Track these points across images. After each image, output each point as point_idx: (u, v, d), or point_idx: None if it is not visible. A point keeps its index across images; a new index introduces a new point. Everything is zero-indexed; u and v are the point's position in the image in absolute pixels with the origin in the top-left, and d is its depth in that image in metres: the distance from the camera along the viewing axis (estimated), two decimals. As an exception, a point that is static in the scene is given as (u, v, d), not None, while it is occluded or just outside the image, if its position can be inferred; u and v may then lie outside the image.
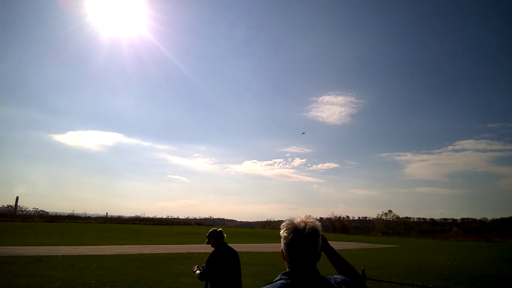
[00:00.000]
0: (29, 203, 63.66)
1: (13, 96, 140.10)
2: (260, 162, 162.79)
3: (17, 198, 54.98)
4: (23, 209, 55.46)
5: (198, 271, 4.61)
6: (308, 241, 1.58)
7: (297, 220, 1.67)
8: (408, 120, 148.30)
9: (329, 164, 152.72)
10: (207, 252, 19.28)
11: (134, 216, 60.45)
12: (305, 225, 1.62)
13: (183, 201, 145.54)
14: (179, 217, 72.47)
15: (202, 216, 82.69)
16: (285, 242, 1.64)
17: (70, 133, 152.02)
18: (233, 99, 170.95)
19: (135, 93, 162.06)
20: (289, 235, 1.62)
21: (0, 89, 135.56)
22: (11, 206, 54.69)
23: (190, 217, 77.14)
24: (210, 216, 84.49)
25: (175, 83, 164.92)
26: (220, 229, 4.83)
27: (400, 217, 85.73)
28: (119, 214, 62.88)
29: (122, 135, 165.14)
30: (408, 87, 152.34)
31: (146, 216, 62.86)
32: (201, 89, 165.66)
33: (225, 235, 4.81)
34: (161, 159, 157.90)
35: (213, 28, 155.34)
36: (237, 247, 4.85)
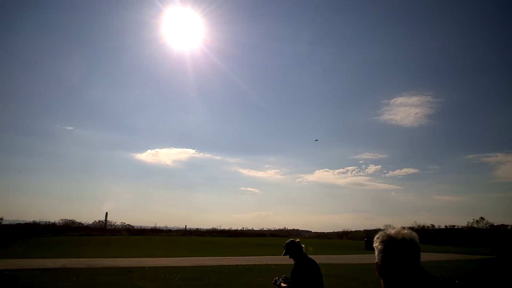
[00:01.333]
0: (117, 218, 69.88)
1: (98, 120, 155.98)
2: (332, 170, 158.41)
3: (106, 213, 60.58)
4: (112, 223, 61.05)
5: (283, 284, 4.53)
6: (408, 254, 1.47)
7: (393, 231, 1.55)
8: (495, 117, 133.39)
9: (407, 169, 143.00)
10: (284, 264, 19.33)
11: (211, 228, 62.94)
12: (403, 237, 1.50)
13: (257, 213, 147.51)
14: (253, 229, 73.75)
15: (276, 227, 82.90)
16: (381, 255, 1.53)
17: (149, 151, 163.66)
18: (301, 108, 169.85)
19: (204, 110, 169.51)
20: (386, 247, 1.51)
21: (87, 114, 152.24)
22: (101, 221, 60.52)
23: (265, 229, 77.86)
24: (284, 227, 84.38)
25: (240, 98, 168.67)
26: (298, 239, 4.79)
27: (495, 224, 77.36)
28: (197, 227, 65.80)
29: (194, 150, 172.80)
30: (492, 81, 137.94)
31: (222, 228, 65.04)
32: (268, 100, 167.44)
33: (304, 246, 4.77)
34: (233, 172, 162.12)
35: (276, 38, 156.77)
36: (315, 258, 4.77)
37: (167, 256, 25.06)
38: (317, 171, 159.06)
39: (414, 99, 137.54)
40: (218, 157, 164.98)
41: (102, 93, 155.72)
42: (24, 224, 53.29)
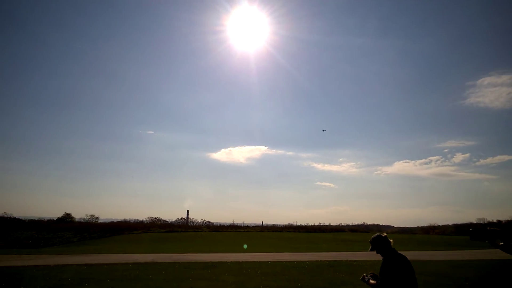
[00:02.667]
0: (197, 215, 74.10)
1: (175, 123, 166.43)
2: (413, 161, 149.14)
3: (187, 211, 64.32)
4: (193, 220, 64.64)
5: (372, 281, 4.38)
6: None
7: None
8: None
9: (502, 156, 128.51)
10: (367, 260, 18.74)
11: (288, 224, 63.32)
12: None
13: (333, 208, 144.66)
14: (331, 224, 72.49)
15: (355, 222, 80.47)
16: None
17: (223, 150, 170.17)
18: (373, 98, 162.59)
19: (273, 107, 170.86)
20: None
21: (165, 118, 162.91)
22: (183, 218, 64.39)
23: (343, 224, 76.08)
24: (364, 222, 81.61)
25: (307, 94, 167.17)
26: (385, 234, 4.59)
27: None
28: (273, 223, 66.70)
29: (267, 147, 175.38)
30: None
31: (298, 224, 65.06)
32: (336, 94, 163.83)
33: (392, 240, 4.56)
34: (307, 167, 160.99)
35: (339, 31, 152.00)
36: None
37: (245, 251, 25.84)
38: (396, 163, 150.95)
39: (505, 78, 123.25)
40: (290, 153, 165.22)
41: (177, 97, 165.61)
42: (116, 222, 58.83)
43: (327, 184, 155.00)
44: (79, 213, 71.18)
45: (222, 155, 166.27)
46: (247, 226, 59.10)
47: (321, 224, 69.01)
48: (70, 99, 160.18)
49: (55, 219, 61.66)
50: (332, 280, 13.00)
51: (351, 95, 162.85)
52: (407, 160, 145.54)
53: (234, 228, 54.60)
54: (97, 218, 62.91)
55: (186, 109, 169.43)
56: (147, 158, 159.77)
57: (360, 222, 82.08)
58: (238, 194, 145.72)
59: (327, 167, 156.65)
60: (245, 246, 30.39)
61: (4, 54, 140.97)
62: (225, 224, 61.69)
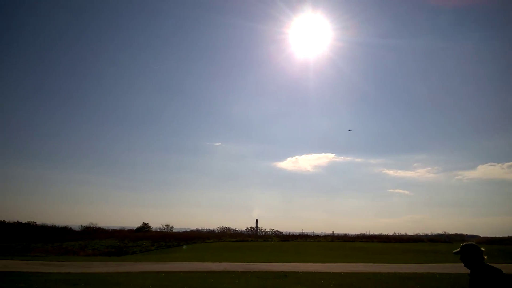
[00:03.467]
0: (266, 224, 74.40)
1: (240, 133, 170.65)
2: (500, 164, 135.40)
3: (256, 220, 65.02)
4: (262, 230, 65.13)
5: None
6: None
7: None
8: None
9: None
10: (451, 273, 17.32)
11: (360, 234, 61.01)
12: None
13: (409, 216, 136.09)
14: (407, 234, 68.43)
15: (435, 232, 74.97)
16: None
17: (289, 159, 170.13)
18: (449, 98, 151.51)
19: (338, 112, 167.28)
20: None
21: (231, 129, 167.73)
22: (253, 228, 65.20)
23: (420, 233, 71.36)
24: (445, 232, 75.55)
25: (375, 97, 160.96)
26: (474, 243, 4.14)
27: None
28: (344, 232, 64.73)
29: (334, 154, 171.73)
30: None
31: (371, 233, 62.39)
32: (406, 95, 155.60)
33: (483, 250, 4.10)
34: (378, 174, 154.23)
35: (408, 29, 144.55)
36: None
37: (318, 262, 25.33)
38: (480, 166, 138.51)
39: None
40: (359, 159, 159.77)
41: (242, 108, 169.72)
42: (189, 231, 61.46)
43: (401, 191, 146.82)
44: (156, 222, 75.49)
45: (289, 164, 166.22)
46: (317, 236, 58.05)
47: (396, 234, 65.48)
48: (144, 115, 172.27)
49: (134, 228, 66.16)
50: (413, 294, 12.21)
51: (422, 97, 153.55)
52: (492, 163, 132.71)
53: (303, 238, 53.98)
54: (172, 227, 66.28)
55: (251, 119, 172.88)
56: (215, 169, 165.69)
57: (440, 232, 76.29)
58: (306, 203, 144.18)
59: (400, 173, 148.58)
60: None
61: (92, 79, 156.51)
62: (294, 233, 61.30)
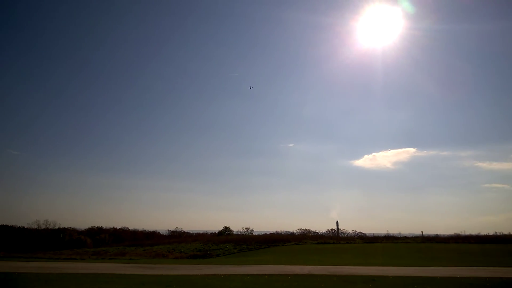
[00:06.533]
0: (347, 226, 72.58)
1: (313, 133, 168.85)
2: None
3: (337, 222, 63.63)
4: (343, 231, 63.63)
5: None
6: None
7: None
8: None
9: None
10: None
11: (454, 234, 56.32)
12: None
13: (510, 213, 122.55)
14: (511, 233, 61.60)
15: (544, 231, 66.56)
16: None
17: (366, 156, 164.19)
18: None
19: (417, 104, 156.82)
20: None
21: (303, 130, 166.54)
22: (333, 229, 63.98)
23: (526, 232, 63.86)
24: (557, 230, 66.91)
25: (460, 83, 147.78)
26: None
27: None
28: (435, 232, 60.33)
29: (415, 149, 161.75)
30: None
31: (467, 233, 57.33)
32: (497, 79, 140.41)
33: None
34: (468, 168, 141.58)
35: (491, 7, 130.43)
36: None
37: (408, 265, 23.95)
38: None
39: None
40: (445, 153, 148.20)
41: (313, 108, 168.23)
42: (269, 234, 62.27)
43: (498, 185, 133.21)
44: (236, 226, 78.09)
45: (366, 161, 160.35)
46: (405, 237, 54.93)
47: (498, 234, 59.29)
48: (221, 121, 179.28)
49: (216, 232, 69.00)
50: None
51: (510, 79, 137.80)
52: None
53: (390, 239, 51.47)
54: (252, 230, 67.97)
55: (322, 118, 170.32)
56: (290, 170, 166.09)
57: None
58: (388, 202, 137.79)
59: (496, 166, 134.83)
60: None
61: (173, 91, 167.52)
62: (379, 234, 58.77)
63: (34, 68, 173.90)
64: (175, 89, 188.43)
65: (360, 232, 62.31)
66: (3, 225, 63.59)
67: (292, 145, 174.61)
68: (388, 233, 59.21)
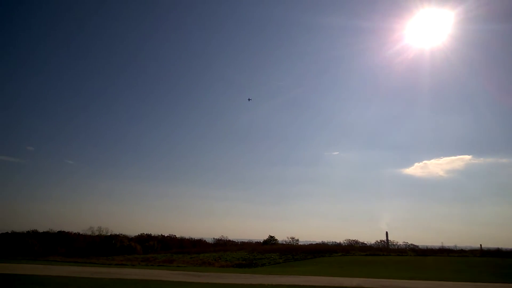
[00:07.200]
0: (397, 237, 69.51)
1: (358, 141, 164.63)
2: None
3: (386, 233, 61.26)
4: (393, 243, 60.96)
5: None
6: None
7: None
8: None
9: None
10: None
11: (518, 248, 52.04)
12: None
13: None
14: None
15: None
16: None
17: (416, 164, 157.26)
18: None
19: (471, 107, 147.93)
20: None
21: (348, 137, 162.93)
22: (383, 241, 61.54)
23: None
24: None
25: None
26: None
27: None
28: (495, 246, 56.01)
29: (471, 156, 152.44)
30: None
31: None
32: None
33: None
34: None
35: None
36: None
37: (466, 280, 22.38)
38: None
39: None
40: (504, 160, 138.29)
41: (358, 114, 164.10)
42: (315, 244, 61.15)
43: None
44: (281, 235, 77.64)
45: (416, 169, 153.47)
46: (462, 250, 51.56)
47: None
48: (264, 131, 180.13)
49: (261, 241, 68.82)
50: None
51: None
52: None
53: (444, 252, 48.51)
54: (297, 240, 67.01)
55: (369, 124, 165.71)
56: (335, 179, 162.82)
57: None
58: (441, 212, 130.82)
59: None
60: None
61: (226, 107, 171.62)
62: (432, 247, 55.68)
63: (86, 82, 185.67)
64: (219, 100, 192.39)
65: (411, 244, 59.51)
66: (60, 231, 67.40)
67: (337, 153, 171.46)
68: (442, 246, 55.95)
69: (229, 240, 77.74)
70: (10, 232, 66.64)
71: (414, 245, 58.72)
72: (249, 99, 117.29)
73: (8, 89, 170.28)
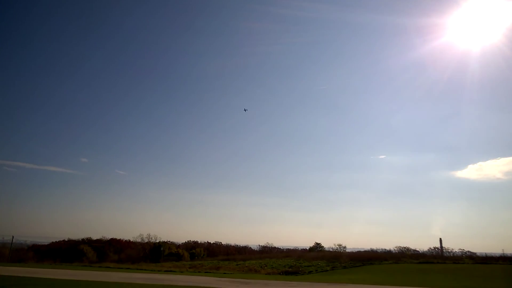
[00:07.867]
0: (452, 244, 65.56)
1: (405, 144, 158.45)
2: None
3: (440, 239, 58.01)
4: (448, 250, 57.57)
5: None
6: None
7: None
8: None
9: None
10: None
11: None
12: None
13: None
14: None
15: None
16: None
17: (470, 166, 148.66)
18: None
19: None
20: None
21: (394, 141, 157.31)
22: (437, 248, 58.32)
23: None
24: None
25: None
26: None
27: None
28: None
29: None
30: None
31: None
32: None
33: None
34: None
35: None
36: None
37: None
38: None
39: None
40: None
41: (404, 116, 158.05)
42: (364, 252, 59.24)
43: None
44: (327, 242, 76.01)
45: (471, 172, 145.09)
46: (526, 258, 47.72)
47: None
48: (308, 135, 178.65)
49: (307, 248, 67.80)
50: None
51: None
52: None
53: (506, 260, 45.14)
54: (345, 247, 65.26)
55: (416, 126, 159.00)
56: (382, 183, 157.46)
57: None
58: (501, 217, 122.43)
59: None
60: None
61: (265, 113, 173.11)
62: (492, 254, 51.97)
63: (131, 91, 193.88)
64: (266, 111, 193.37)
65: (468, 251, 55.88)
66: (112, 238, 70.32)
67: (384, 156, 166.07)
68: (504, 253, 52.09)
69: (275, 247, 77.37)
70: (66, 239, 70.70)
71: (471, 252, 55.12)
72: (245, 110, 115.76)
73: (67, 106, 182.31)
